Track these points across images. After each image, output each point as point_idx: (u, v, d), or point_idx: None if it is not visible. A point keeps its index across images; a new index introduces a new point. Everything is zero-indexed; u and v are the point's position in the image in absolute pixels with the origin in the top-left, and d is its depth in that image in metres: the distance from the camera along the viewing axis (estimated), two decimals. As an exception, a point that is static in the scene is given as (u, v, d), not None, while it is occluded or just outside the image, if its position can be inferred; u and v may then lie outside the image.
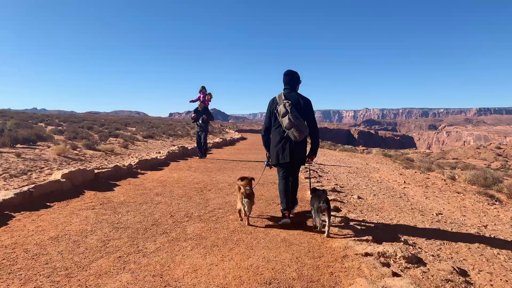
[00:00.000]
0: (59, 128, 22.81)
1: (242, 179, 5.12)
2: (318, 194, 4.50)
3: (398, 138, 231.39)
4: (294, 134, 4.71)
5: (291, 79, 4.97)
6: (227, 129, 58.75)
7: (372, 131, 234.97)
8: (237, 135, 37.48)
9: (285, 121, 4.73)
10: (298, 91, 5.02)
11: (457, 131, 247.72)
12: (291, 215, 5.02)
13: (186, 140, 25.80)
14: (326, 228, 4.36)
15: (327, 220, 4.33)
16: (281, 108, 4.78)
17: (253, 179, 5.21)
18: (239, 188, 4.85)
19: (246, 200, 4.67)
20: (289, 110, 4.70)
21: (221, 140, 23.57)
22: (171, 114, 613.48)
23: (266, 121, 5.12)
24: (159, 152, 13.00)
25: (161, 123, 50.52)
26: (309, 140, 5.08)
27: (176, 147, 13.95)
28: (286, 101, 4.79)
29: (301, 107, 4.81)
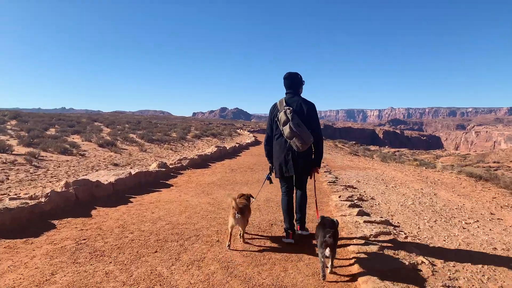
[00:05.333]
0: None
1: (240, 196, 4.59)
2: (324, 223, 3.71)
3: (425, 138, 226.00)
4: (296, 144, 4.23)
5: (292, 83, 4.50)
6: (240, 130, 49.16)
7: (398, 131, 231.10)
8: (248, 139, 29.02)
9: (286, 130, 4.25)
10: (301, 94, 4.60)
11: (486, 131, 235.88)
12: (301, 231, 4.59)
13: (173, 147, 17.92)
14: (328, 269, 3.58)
15: (330, 258, 3.56)
16: (281, 116, 4.31)
17: (251, 196, 4.76)
18: (232, 201, 4.07)
19: (239, 215, 4.00)
20: (290, 118, 4.23)
21: (215, 149, 15.48)
22: (194, 114, 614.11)
23: (268, 130, 4.66)
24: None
25: (167, 123, 43.33)
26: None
27: (68, 182, 6.01)
28: (287, 107, 4.33)
29: (304, 114, 4.32)
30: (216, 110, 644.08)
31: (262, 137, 34.95)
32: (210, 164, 12.41)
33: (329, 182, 9.33)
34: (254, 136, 34.14)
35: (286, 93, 4.55)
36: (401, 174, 13.48)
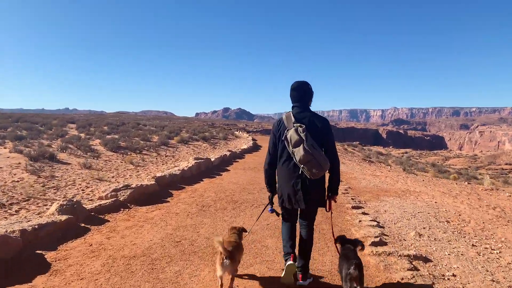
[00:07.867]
0: None
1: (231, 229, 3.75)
2: (347, 254, 3.19)
3: (428, 138, 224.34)
4: (312, 170, 3.32)
5: (302, 95, 3.56)
6: (238, 132, 43.56)
7: (401, 131, 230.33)
8: (245, 144, 23.96)
9: (299, 152, 3.34)
10: (310, 108, 3.63)
11: (490, 131, 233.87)
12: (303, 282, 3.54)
13: (136, 159, 13.47)
14: None
15: None
16: (292, 135, 3.37)
17: (244, 230, 3.80)
18: (219, 246, 3.14)
19: (228, 261, 3.13)
20: (304, 138, 3.33)
21: (193, 163, 11.05)
22: (197, 114, 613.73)
23: (271, 151, 3.67)
24: None
25: (155, 124, 39.12)
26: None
27: None
28: (299, 124, 3.41)
29: (318, 133, 3.44)
30: (219, 110, 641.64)
31: (262, 140, 30.32)
32: (173, 192, 7.98)
33: (373, 242, 4.91)
34: (253, 140, 29.21)
35: (293, 107, 3.61)
36: (461, 205, 9.00)
